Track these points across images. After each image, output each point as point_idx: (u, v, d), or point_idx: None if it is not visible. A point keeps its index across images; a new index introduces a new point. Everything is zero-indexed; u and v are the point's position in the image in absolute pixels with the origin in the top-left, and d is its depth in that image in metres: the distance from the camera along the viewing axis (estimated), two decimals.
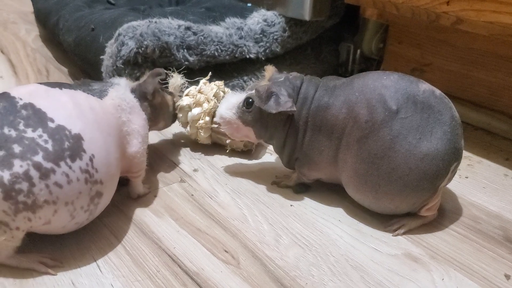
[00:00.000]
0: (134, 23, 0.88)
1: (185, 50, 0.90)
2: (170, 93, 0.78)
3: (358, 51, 1.10)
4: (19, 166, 0.49)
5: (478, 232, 0.65)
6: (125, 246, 0.60)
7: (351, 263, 0.59)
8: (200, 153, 0.82)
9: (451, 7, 0.76)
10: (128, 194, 0.69)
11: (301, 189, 0.72)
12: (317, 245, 0.61)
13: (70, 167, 0.52)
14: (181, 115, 0.80)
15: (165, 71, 0.73)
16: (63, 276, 0.55)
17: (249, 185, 0.73)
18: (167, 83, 0.78)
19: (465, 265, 0.59)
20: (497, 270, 0.59)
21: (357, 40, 1.10)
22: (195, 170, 0.76)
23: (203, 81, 0.82)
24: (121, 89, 0.65)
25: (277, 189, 0.72)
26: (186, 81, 0.81)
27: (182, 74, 0.80)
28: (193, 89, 0.81)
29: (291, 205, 0.69)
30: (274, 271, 0.57)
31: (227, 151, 0.80)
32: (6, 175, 0.49)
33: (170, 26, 0.89)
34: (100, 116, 0.58)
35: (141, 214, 0.66)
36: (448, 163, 0.60)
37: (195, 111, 0.78)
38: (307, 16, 0.97)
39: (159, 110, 0.73)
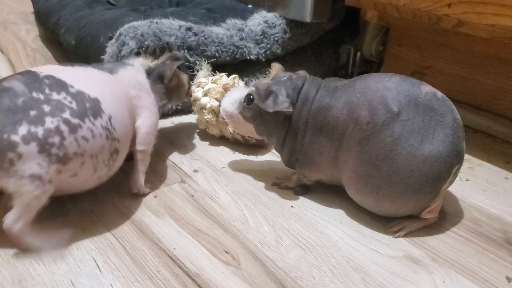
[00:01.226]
0: (135, 23, 0.88)
1: (186, 51, 0.90)
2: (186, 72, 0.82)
3: (358, 53, 1.10)
4: (50, 122, 0.54)
5: (479, 234, 0.65)
6: (125, 247, 0.60)
7: (352, 264, 0.59)
8: (200, 154, 0.81)
9: (453, 9, 0.76)
10: (127, 194, 0.69)
11: (301, 190, 0.72)
12: (318, 247, 0.61)
13: (93, 123, 0.58)
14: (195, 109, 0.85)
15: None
16: (62, 276, 0.55)
17: (249, 186, 0.73)
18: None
19: (467, 267, 0.59)
20: (498, 272, 0.58)
21: (357, 43, 1.10)
22: (195, 171, 0.76)
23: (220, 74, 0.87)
24: (132, 70, 0.69)
25: (277, 190, 0.72)
26: (213, 74, 0.88)
27: (209, 65, 0.88)
28: (203, 79, 0.85)
29: (291, 206, 0.69)
30: (275, 272, 0.57)
31: (231, 140, 0.84)
32: (39, 130, 0.53)
33: (171, 27, 0.89)
34: (112, 87, 0.64)
35: (141, 214, 0.66)
36: (450, 166, 0.60)
37: (204, 100, 0.83)
38: (307, 18, 0.97)
39: (173, 91, 0.77)
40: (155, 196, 0.69)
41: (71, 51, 1.02)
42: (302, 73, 0.69)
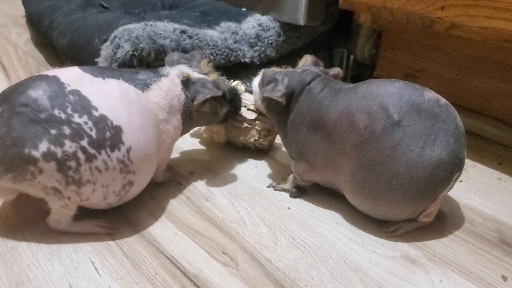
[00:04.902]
0: (129, 26, 0.88)
1: None
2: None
3: (351, 56, 1.11)
4: (69, 146, 0.55)
5: (474, 234, 0.65)
6: (122, 248, 0.59)
7: (349, 265, 0.59)
8: (196, 156, 0.81)
9: (446, 12, 0.77)
10: None
11: (297, 193, 0.72)
12: (315, 247, 0.61)
13: (109, 156, 0.57)
14: None
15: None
16: (60, 278, 0.54)
17: (246, 188, 0.73)
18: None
19: (463, 266, 0.59)
20: (494, 271, 0.59)
21: (350, 46, 1.10)
22: (191, 173, 0.76)
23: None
24: (165, 86, 0.65)
25: (274, 192, 0.72)
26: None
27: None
28: None
29: (288, 208, 0.69)
30: (273, 273, 0.57)
31: (239, 146, 0.83)
32: (59, 152, 0.54)
33: (165, 30, 0.89)
34: (141, 110, 0.61)
35: (138, 216, 0.65)
36: (450, 173, 0.60)
37: None
38: (301, 21, 0.98)
39: (201, 117, 0.71)
40: (152, 198, 0.69)
41: (64, 54, 1.02)
42: (336, 70, 0.72)
